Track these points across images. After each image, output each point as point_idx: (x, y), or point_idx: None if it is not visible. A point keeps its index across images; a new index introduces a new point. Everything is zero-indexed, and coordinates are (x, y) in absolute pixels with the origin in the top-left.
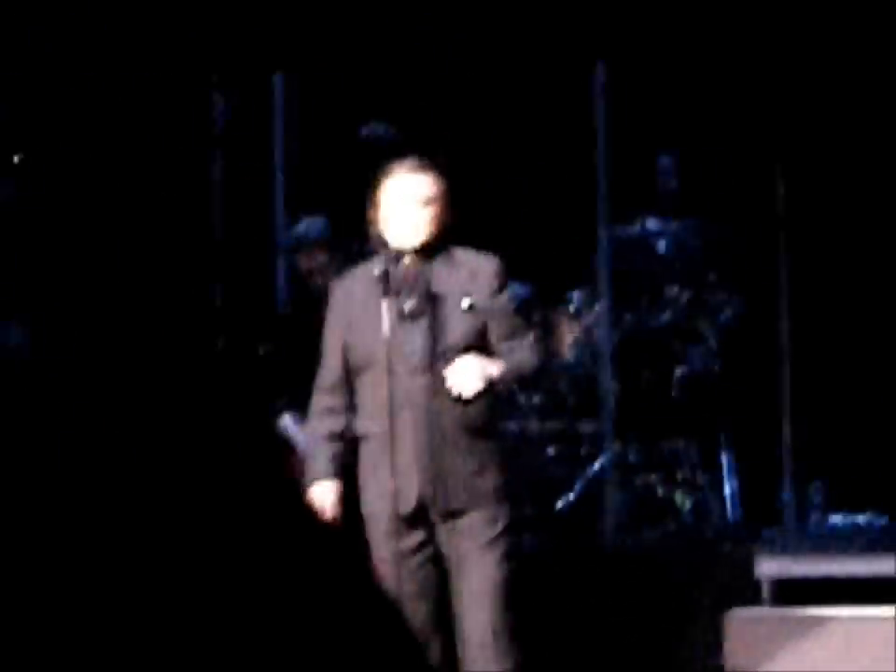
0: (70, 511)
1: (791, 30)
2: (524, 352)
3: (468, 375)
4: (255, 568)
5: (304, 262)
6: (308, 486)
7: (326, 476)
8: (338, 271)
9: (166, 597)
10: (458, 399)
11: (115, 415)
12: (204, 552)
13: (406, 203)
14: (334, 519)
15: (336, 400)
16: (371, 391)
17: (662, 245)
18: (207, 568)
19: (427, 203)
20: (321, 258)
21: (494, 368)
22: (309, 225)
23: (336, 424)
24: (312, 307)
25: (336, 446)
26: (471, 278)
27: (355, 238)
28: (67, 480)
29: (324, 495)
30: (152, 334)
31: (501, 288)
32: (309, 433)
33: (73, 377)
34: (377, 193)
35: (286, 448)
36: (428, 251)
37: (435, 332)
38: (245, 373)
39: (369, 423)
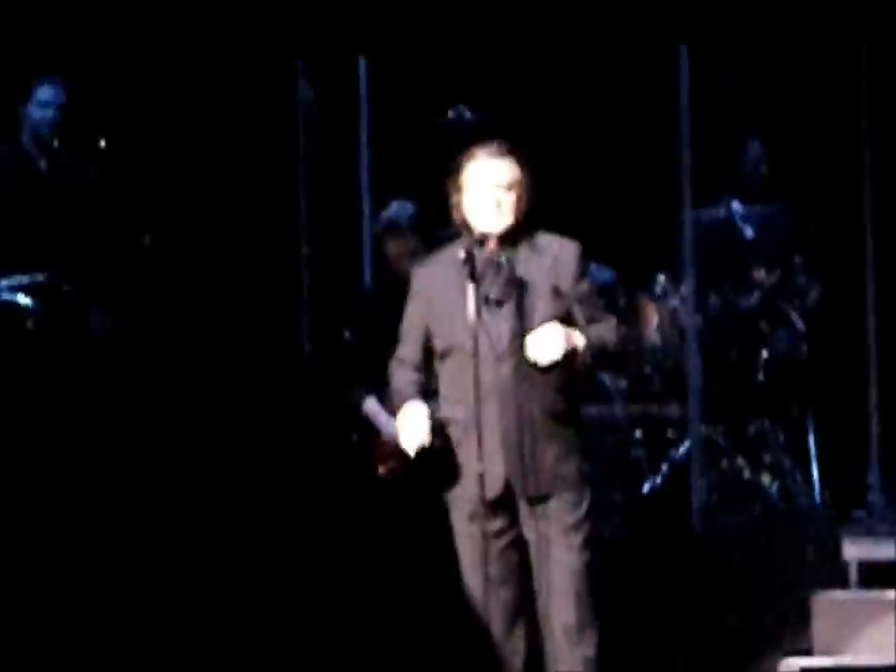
0: (165, 494)
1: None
2: (606, 332)
3: (549, 342)
4: (339, 549)
5: (393, 247)
6: (399, 408)
7: (415, 398)
8: (426, 256)
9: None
10: (537, 366)
11: (201, 401)
12: (287, 531)
13: (489, 188)
14: (425, 441)
15: (416, 376)
16: (456, 376)
17: (747, 229)
18: (299, 544)
19: (510, 187)
20: (411, 242)
21: (575, 338)
22: (399, 209)
23: (419, 388)
24: (399, 291)
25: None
26: (554, 263)
27: (443, 224)
28: (154, 461)
29: (416, 414)
30: (239, 318)
31: (584, 273)
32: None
33: (159, 363)
34: (460, 178)
35: (370, 431)
36: (512, 236)
37: (520, 317)
38: (331, 357)
39: (454, 407)
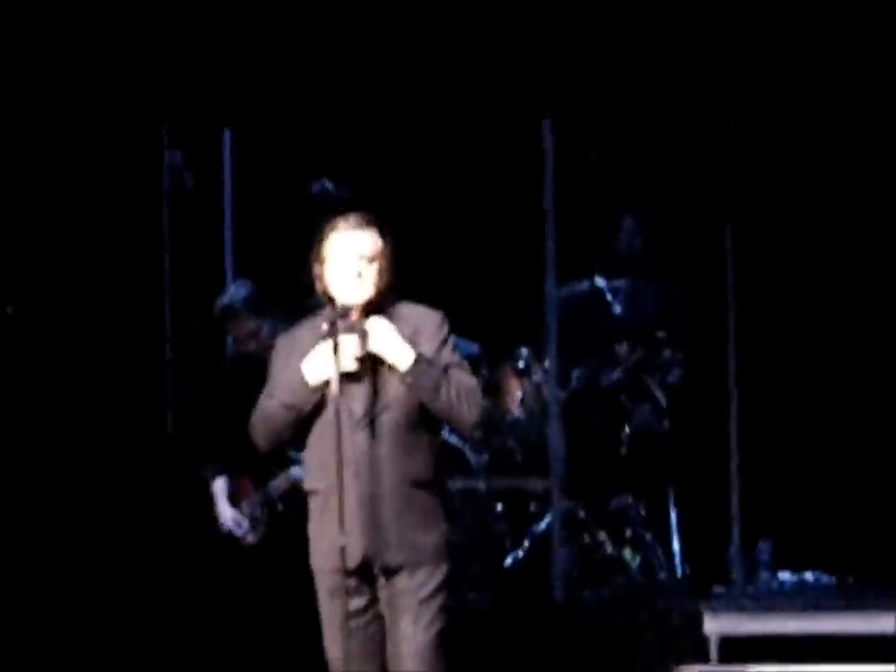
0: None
1: (742, 87)
2: (450, 382)
3: (385, 330)
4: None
5: (233, 329)
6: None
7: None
8: (269, 334)
9: None
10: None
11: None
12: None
13: (349, 259)
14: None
15: None
16: (318, 445)
17: (615, 304)
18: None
19: (371, 258)
20: (249, 324)
21: (410, 350)
22: (234, 291)
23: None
24: (247, 371)
25: None
26: (415, 333)
27: (310, 294)
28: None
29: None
30: (103, 390)
31: (445, 341)
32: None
33: (21, 431)
34: (322, 249)
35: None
36: (374, 307)
37: (374, 389)
38: (191, 431)
39: (317, 477)
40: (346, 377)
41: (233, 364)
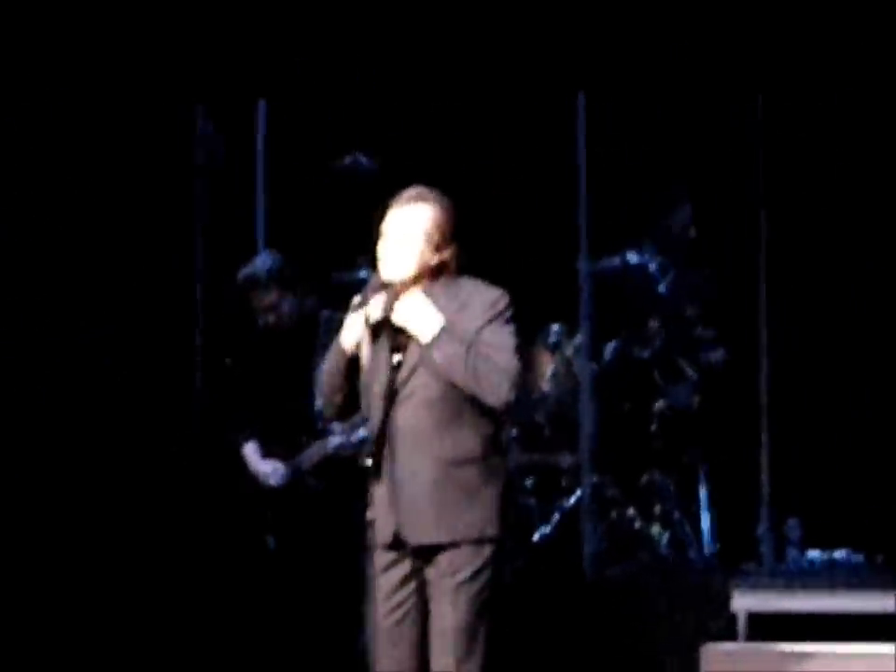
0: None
1: (776, 69)
2: (476, 358)
3: (413, 302)
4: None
5: (254, 300)
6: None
7: None
8: (291, 307)
9: None
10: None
11: (89, 434)
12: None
13: (390, 234)
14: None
15: None
16: (369, 417)
17: (643, 279)
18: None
19: (418, 235)
20: (270, 295)
21: (436, 323)
22: (259, 262)
23: None
24: (268, 343)
25: None
26: (462, 308)
27: (342, 267)
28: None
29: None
30: (128, 360)
31: (492, 320)
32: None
33: (50, 400)
34: (382, 225)
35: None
36: (426, 282)
37: (402, 363)
38: (219, 399)
39: (365, 452)
40: (381, 351)
41: (263, 333)
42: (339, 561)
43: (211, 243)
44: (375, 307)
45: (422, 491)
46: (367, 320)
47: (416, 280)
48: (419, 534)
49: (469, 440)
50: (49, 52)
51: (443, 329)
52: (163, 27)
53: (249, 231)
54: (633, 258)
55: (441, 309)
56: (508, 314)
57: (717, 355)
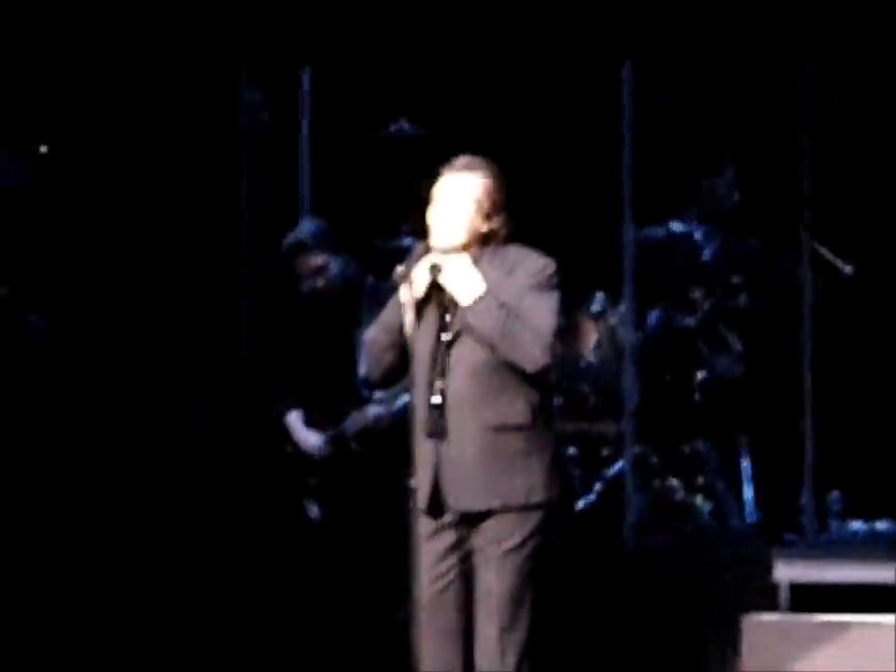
0: (97, 497)
1: (819, 39)
2: (517, 326)
3: (457, 265)
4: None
5: (301, 265)
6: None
7: None
8: (338, 273)
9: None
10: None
11: (129, 402)
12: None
13: (440, 202)
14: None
15: None
16: (415, 384)
17: (687, 248)
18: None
19: (468, 203)
20: (317, 259)
21: (479, 287)
22: (303, 227)
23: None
24: (314, 308)
25: None
26: (508, 273)
27: (386, 235)
28: (89, 464)
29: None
30: (172, 327)
31: (536, 286)
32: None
33: (94, 370)
34: (432, 192)
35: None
36: (475, 250)
37: (444, 327)
38: (264, 367)
39: (416, 417)
40: (427, 318)
41: (307, 301)
42: (383, 528)
43: (256, 209)
44: (423, 268)
45: (468, 458)
46: (422, 277)
47: (466, 247)
48: (466, 500)
49: (514, 407)
50: (96, 18)
51: (485, 294)
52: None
53: (293, 199)
54: (677, 226)
55: (488, 275)
56: (552, 281)
57: (729, 363)
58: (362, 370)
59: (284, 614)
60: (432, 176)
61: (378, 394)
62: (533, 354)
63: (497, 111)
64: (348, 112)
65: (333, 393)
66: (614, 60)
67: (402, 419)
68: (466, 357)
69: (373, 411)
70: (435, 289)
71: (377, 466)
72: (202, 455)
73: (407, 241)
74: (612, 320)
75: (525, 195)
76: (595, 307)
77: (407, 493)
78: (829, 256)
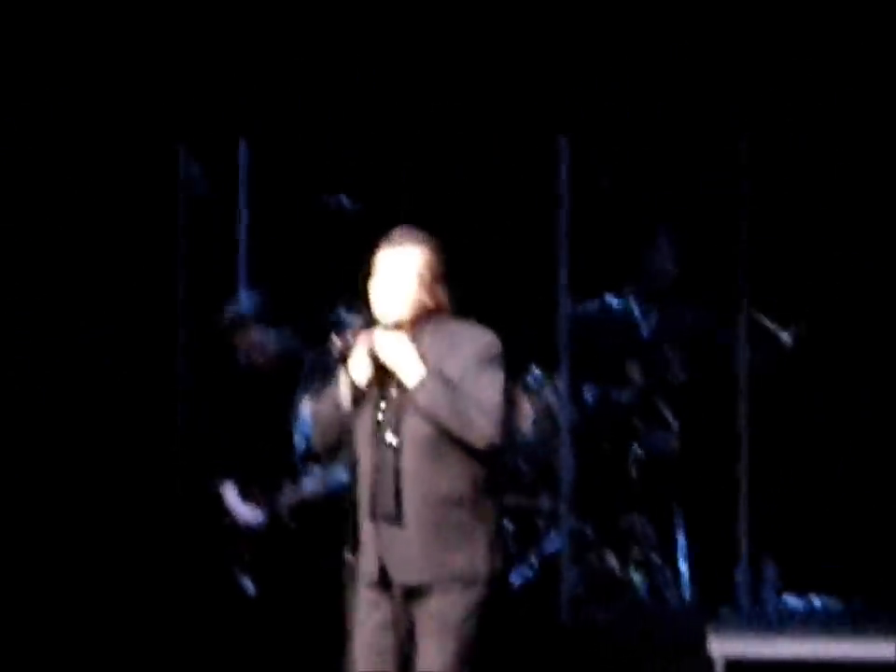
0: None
1: (756, 113)
2: (463, 399)
3: (394, 344)
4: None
5: (241, 340)
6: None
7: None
8: (276, 347)
9: None
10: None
11: (61, 469)
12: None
13: (381, 275)
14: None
15: None
16: (357, 456)
17: (624, 323)
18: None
19: (410, 276)
20: (257, 335)
21: (421, 367)
22: (243, 301)
23: None
24: (246, 384)
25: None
26: (451, 348)
27: (324, 307)
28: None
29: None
30: (109, 397)
31: (481, 361)
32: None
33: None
34: (372, 265)
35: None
36: (413, 324)
37: (385, 403)
38: (201, 441)
39: (358, 490)
40: (369, 392)
41: (244, 374)
42: (318, 603)
43: (193, 281)
44: (358, 352)
45: (411, 532)
46: (362, 362)
47: (409, 321)
48: (407, 573)
49: (459, 480)
50: (36, 86)
51: (429, 373)
52: (145, 65)
53: (231, 270)
54: (613, 301)
55: (431, 349)
56: (497, 357)
57: (665, 438)
58: (298, 445)
59: None
60: (370, 250)
61: (313, 469)
62: (483, 431)
63: (433, 185)
64: (285, 185)
65: (269, 466)
66: (551, 132)
67: (337, 494)
68: (409, 431)
69: (309, 485)
70: (375, 368)
71: (312, 540)
72: (135, 524)
73: (344, 313)
74: (548, 395)
75: (460, 268)
76: (531, 381)
77: (343, 568)
78: (768, 324)
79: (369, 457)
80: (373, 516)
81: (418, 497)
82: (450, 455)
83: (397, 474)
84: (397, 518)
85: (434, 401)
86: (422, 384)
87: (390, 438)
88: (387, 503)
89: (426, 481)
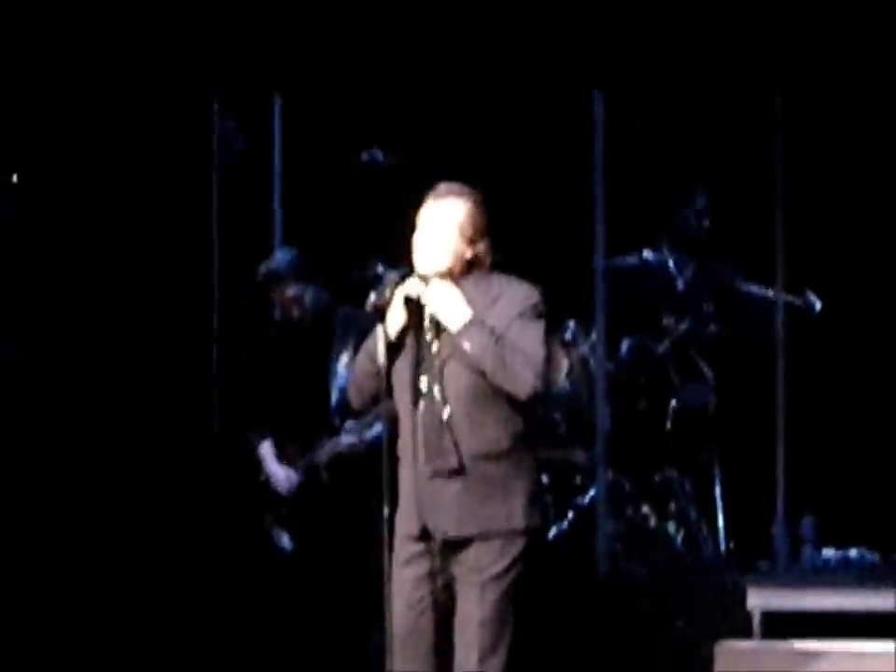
0: (65, 529)
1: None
2: (510, 359)
3: (441, 292)
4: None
5: (276, 295)
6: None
7: None
8: (313, 302)
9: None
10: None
11: (99, 438)
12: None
13: (422, 228)
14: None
15: None
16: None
17: (660, 276)
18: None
19: (452, 229)
20: (292, 289)
21: (466, 313)
22: (278, 257)
23: None
24: (291, 338)
25: None
26: (493, 301)
27: (358, 265)
28: (56, 494)
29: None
30: (144, 356)
31: (523, 314)
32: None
33: (63, 396)
34: (415, 218)
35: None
36: (459, 276)
37: (424, 356)
38: (236, 398)
39: (399, 443)
40: (411, 343)
41: (279, 330)
42: (355, 557)
43: (227, 237)
44: (400, 298)
45: (453, 484)
46: (403, 301)
47: (450, 273)
48: (448, 527)
49: (497, 435)
50: (68, 43)
51: (473, 319)
52: (181, 17)
53: (266, 227)
54: (649, 255)
55: (473, 302)
56: (538, 309)
57: (701, 391)
58: (334, 400)
59: (256, 644)
60: (403, 205)
61: (349, 423)
62: (526, 380)
63: (468, 141)
64: (320, 140)
65: (306, 422)
66: (586, 88)
67: (375, 448)
68: (449, 382)
69: (346, 440)
70: (414, 317)
71: (349, 495)
72: (174, 486)
73: (379, 270)
74: (584, 348)
75: (496, 223)
76: (567, 335)
77: (380, 521)
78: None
79: (409, 411)
80: (413, 468)
81: (460, 454)
82: (492, 408)
83: (449, 428)
84: (458, 471)
85: (480, 347)
86: (465, 328)
87: (434, 391)
88: (444, 457)
89: (469, 434)
